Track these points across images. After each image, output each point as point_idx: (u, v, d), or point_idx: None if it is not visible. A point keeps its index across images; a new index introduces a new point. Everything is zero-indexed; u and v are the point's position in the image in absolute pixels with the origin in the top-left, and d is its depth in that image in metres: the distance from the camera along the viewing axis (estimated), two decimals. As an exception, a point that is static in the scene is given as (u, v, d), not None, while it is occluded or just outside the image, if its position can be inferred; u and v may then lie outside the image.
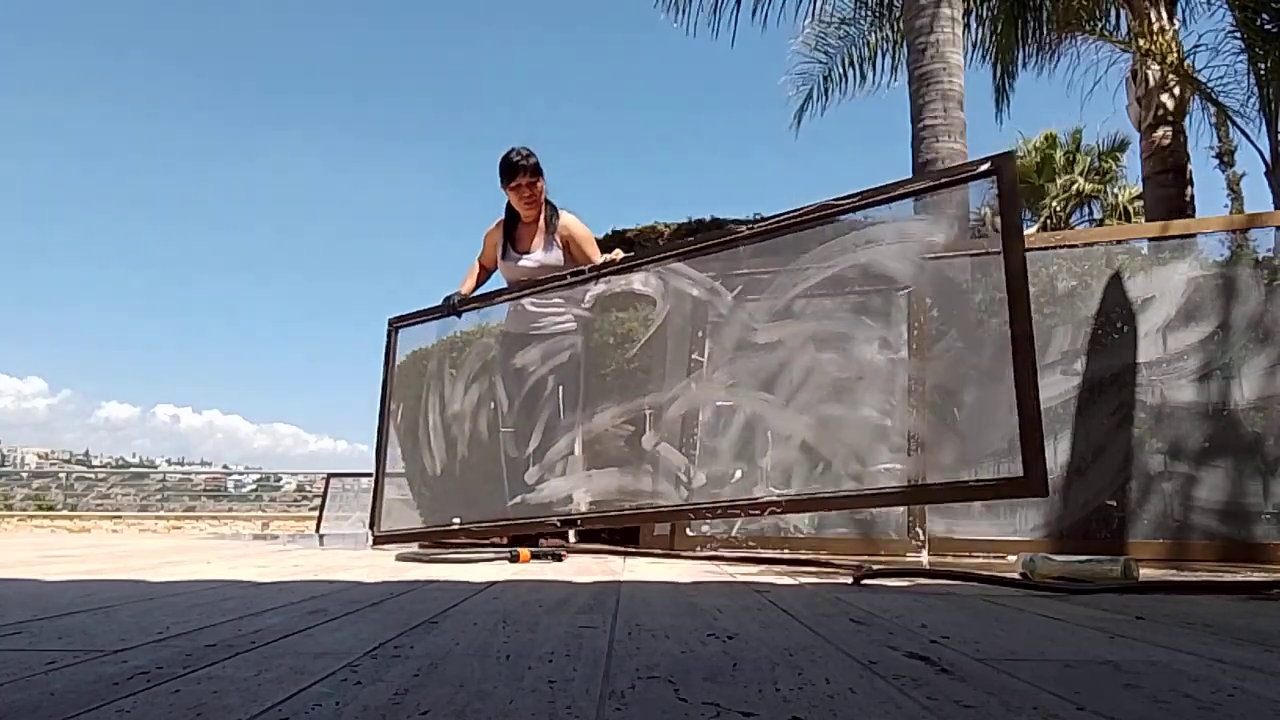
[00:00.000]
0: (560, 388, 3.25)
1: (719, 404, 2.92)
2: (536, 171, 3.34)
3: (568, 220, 3.46)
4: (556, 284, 3.31)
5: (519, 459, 3.27)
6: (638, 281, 3.13)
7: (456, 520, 3.28)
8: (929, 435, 2.59)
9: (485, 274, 3.66)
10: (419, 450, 3.61)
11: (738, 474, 2.85)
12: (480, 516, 3.26)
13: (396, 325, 3.73)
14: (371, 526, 3.53)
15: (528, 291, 3.40)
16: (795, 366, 2.75)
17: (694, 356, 3.00)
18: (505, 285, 3.54)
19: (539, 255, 3.42)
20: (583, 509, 3.01)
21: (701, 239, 3.13)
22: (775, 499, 2.56)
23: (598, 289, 3.22)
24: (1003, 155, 2.44)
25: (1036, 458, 2.07)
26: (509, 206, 3.46)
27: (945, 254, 2.77)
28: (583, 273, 3.25)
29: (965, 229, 2.77)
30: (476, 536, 3.09)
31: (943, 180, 2.63)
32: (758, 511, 2.58)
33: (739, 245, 2.88)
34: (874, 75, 8.89)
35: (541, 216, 3.44)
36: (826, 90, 9.09)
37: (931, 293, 2.81)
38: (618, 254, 3.32)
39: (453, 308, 3.54)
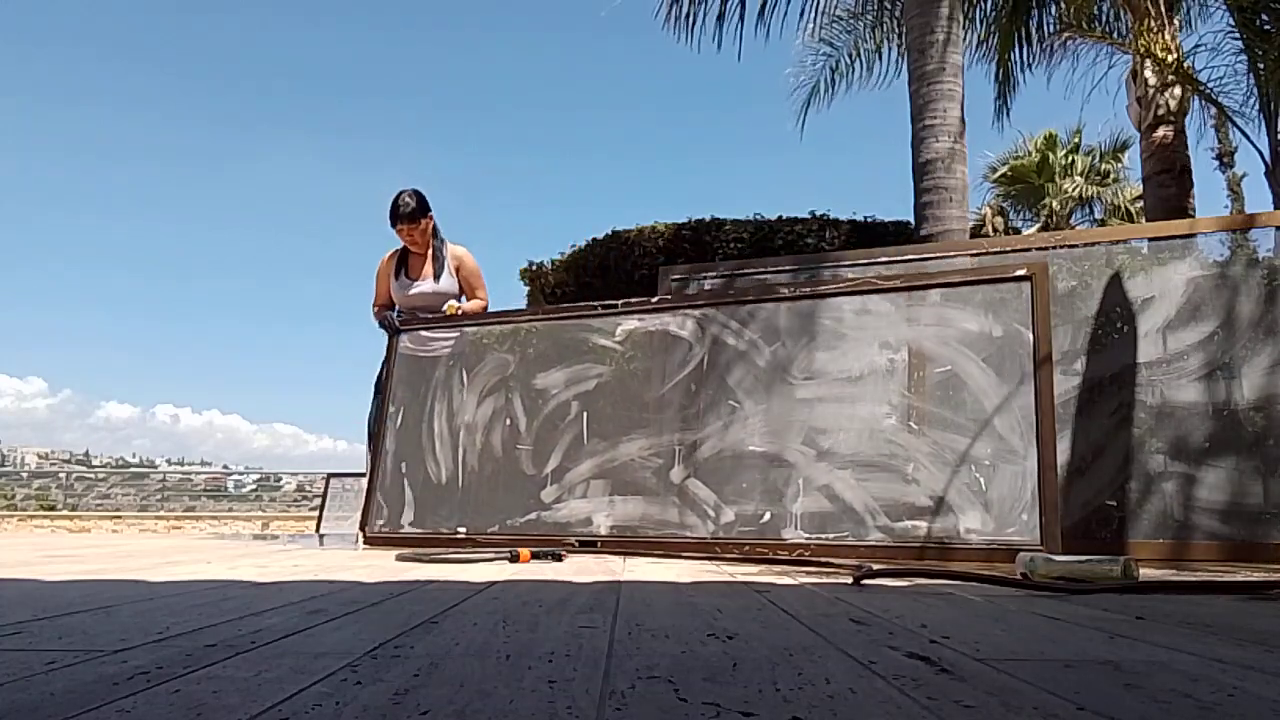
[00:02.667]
0: (585, 413, 3.39)
1: (752, 448, 3.05)
2: (415, 218, 3.73)
3: (458, 252, 3.90)
4: (586, 314, 3.52)
5: (536, 476, 3.37)
6: (673, 324, 3.31)
7: (462, 530, 3.34)
8: (954, 498, 2.78)
9: (390, 306, 3.99)
10: (421, 455, 3.63)
11: (767, 515, 2.95)
12: (487, 527, 3.32)
13: (399, 329, 3.80)
14: (363, 526, 3.54)
15: (581, 312, 3.65)
16: (830, 421, 2.98)
17: (730, 402, 3.15)
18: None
19: (430, 283, 3.86)
20: (603, 532, 3.12)
21: (740, 294, 3.39)
22: (804, 542, 2.80)
23: (630, 324, 3.40)
24: (1038, 265, 2.89)
25: (1051, 525, 2.52)
26: (403, 249, 3.89)
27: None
28: (615, 306, 3.47)
29: (999, 320, 2.97)
30: (482, 547, 3.11)
31: (982, 278, 2.99)
32: (786, 553, 2.74)
33: (780, 303, 3.20)
34: (880, 69, 8.88)
35: (430, 248, 3.85)
36: (833, 83, 9.08)
37: (960, 371, 2.98)
38: (472, 306, 3.82)
39: (395, 327, 3.79)
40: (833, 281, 3.62)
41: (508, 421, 3.49)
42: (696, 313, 3.32)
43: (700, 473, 3.09)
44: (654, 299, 3.46)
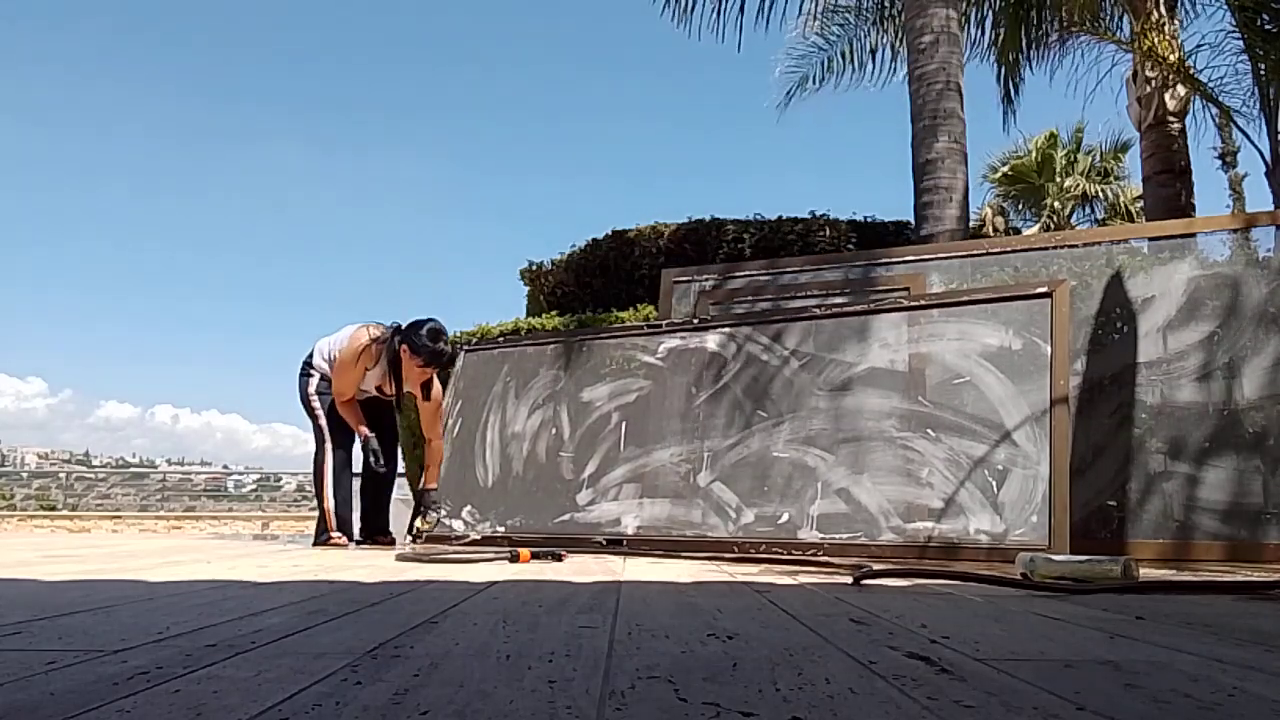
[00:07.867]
0: (624, 423, 3.53)
1: (776, 454, 3.19)
2: (452, 362, 3.74)
3: (437, 392, 3.69)
4: (631, 333, 3.75)
5: (573, 481, 3.52)
6: (712, 342, 3.53)
7: (500, 529, 3.54)
8: (966, 501, 2.84)
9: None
10: (472, 461, 3.83)
11: (785, 516, 3.05)
12: (523, 527, 3.52)
13: (465, 349, 4.17)
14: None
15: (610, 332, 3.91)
16: (850, 429, 3.12)
17: (759, 411, 3.31)
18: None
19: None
20: (630, 532, 3.26)
21: (773, 314, 3.62)
22: (818, 541, 2.91)
23: (672, 342, 3.62)
24: (1057, 283, 3.02)
25: (1061, 528, 2.59)
26: (395, 358, 3.52)
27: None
28: (660, 326, 3.71)
29: (1018, 334, 3.03)
30: (517, 545, 3.18)
31: (1003, 295, 3.13)
32: (800, 552, 2.85)
33: (810, 320, 3.41)
34: (874, 69, 8.87)
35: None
36: (822, 78, 9.07)
37: (979, 382, 3.06)
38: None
39: (457, 349, 4.05)
40: (840, 284, 3.74)
41: (553, 431, 3.69)
42: (733, 330, 3.52)
43: (725, 477, 3.23)
44: (696, 319, 3.70)
